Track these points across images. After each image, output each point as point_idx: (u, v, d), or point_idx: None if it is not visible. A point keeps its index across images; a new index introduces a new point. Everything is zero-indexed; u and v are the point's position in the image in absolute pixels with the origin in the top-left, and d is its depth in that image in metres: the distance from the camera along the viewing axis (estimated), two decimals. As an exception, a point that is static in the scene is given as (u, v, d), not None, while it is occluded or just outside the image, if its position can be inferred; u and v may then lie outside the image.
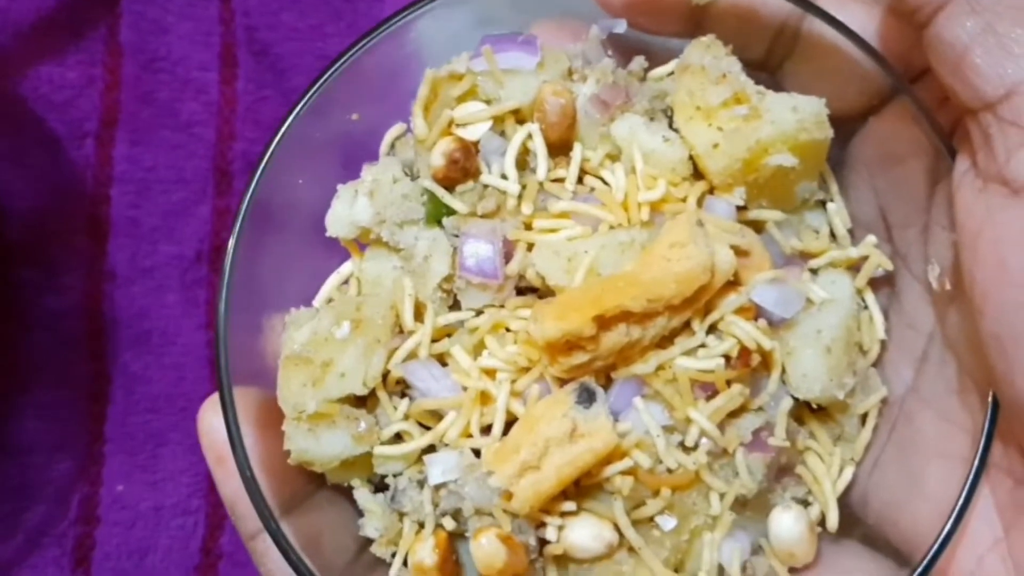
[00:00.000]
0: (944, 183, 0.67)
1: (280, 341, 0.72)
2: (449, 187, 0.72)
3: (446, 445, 0.69)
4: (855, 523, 0.73)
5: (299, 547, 0.66)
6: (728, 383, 0.68)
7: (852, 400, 0.72)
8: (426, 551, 0.69)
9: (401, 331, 0.71)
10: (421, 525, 0.70)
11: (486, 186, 0.71)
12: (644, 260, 0.68)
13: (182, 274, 1.07)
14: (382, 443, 0.70)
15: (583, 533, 0.67)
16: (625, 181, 0.70)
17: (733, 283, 0.69)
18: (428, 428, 0.70)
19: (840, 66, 0.69)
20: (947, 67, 0.62)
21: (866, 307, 0.74)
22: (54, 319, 1.05)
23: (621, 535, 0.68)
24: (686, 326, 0.68)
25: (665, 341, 0.68)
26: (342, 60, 0.71)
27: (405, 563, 0.70)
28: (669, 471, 0.68)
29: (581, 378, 0.67)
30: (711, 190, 0.71)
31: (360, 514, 0.72)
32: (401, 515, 0.71)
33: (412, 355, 0.70)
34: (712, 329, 0.68)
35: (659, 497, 0.68)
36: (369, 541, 0.72)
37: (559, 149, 0.72)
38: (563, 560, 0.69)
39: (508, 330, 0.70)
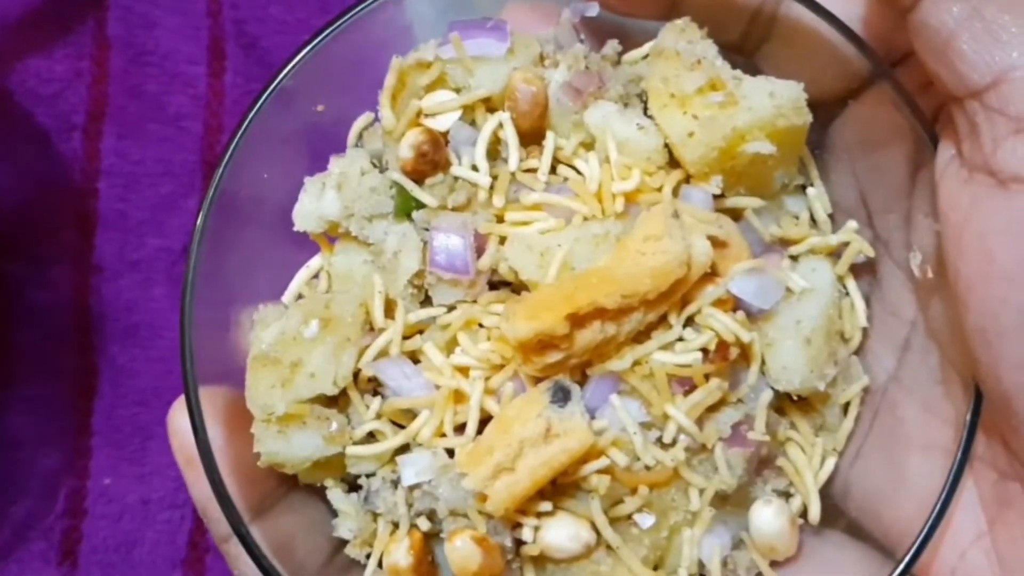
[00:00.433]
0: (926, 169, 0.66)
1: (248, 338, 0.71)
2: (418, 180, 0.70)
3: (419, 445, 0.68)
4: (838, 515, 0.72)
5: (270, 552, 0.66)
6: (706, 377, 0.66)
7: (834, 389, 0.71)
8: (401, 552, 0.68)
9: (372, 329, 0.69)
10: (396, 526, 0.69)
11: (456, 178, 0.70)
12: (618, 254, 0.66)
13: (170, 267, 1.07)
14: (354, 443, 0.69)
15: (560, 533, 0.66)
16: (599, 171, 0.69)
17: (711, 274, 0.68)
18: (401, 427, 0.69)
19: (819, 49, 0.68)
20: (932, 53, 0.60)
21: (847, 294, 0.73)
22: (41, 312, 1.05)
23: (599, 534, 0.67)
24: (662, 319, 0.67)
25: (641, 336, 0.67)
26: (307, 49, 0.69)
27: (380, 564, 0.69)
28: (647, 468, 0.67)
29: (555, 376, 0.66)
30: (687, 179, 0.70)
31: (334, 514, 0.71)
32: (375, 516, 0.70)
33: (383, 353, 0.69)
34: (689, 322, 0.67)
35: (637, 495, 0.67)
36: (343, 542, 0.71)
37: (531, 138, 0.71)
38: (540, 561, 0.68)
39: (481, 326, 0.69)
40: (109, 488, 1.05)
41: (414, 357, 0.69)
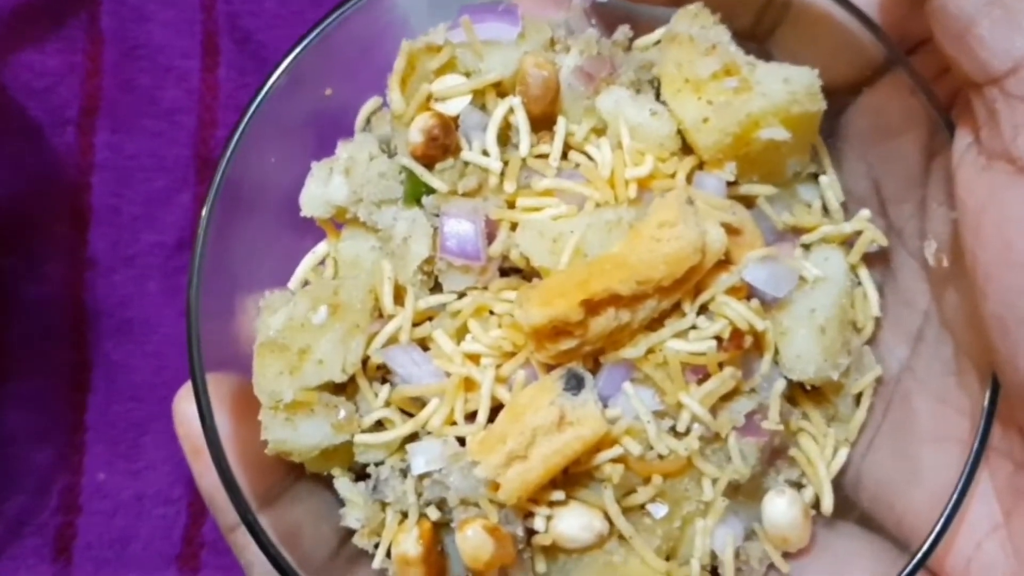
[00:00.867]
0: (941, 157, 0.66)
1: (254, 325, 0.70)
2: (428, 164, 0.69)
3: (429, 433, 0.67)
4: (850, 506, 0.71)
5: (278, 540, 0.65)
6: (720, 366, 0.66)
7: (846, 380, 0.71)
8: (410, 542, 0.67)
9: (381, 315, 0.69)
10: (404, 515, 0.68)
11: (467, 163, 0.69)
12: (632, 240, 0.65)
13: (164, 262, 1.07)
14: (363, 431, 0.68)
15: (572, 523, 0.65)
16: (611, 157, 0.68)
17: (724, 262, 0.67)
18: (410, 415, 0.68)
19: (833, 35, 0.67)
20: (951, 39, 0.59)
21: (860, 284, 0.72)
22: (35, 308, 1.05)
23: (611, 524, 0.66)
24: (676, 307, 0.66)
25: (655, 323, 0.66)
26: (314, 33, 0.68)
27: (388, 554, 0.68)
28: (660, 457, 0.66)
29: (568, 363, 0.65)
30: (700, 165, 0.69)
31: (341, 504, 0.70)
32: (383, 505, 0.69)
33: (392, 340, 0.68)
34: (703, 310, 0.67)
35: (650, 484, 0.66)
36: (351, 532, 0.70)
37: (542, 123, 0.70)
38: (552, 551, 0.67)
39: (492, 313, 0.68)
40: (103, 484, 1.05)
41: (424, 344, 0.69)
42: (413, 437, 0.68)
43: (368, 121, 0.74)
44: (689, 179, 0.69)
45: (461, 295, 0.68)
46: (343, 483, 0.70)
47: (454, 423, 0.67)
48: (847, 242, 0.72)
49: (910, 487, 0.68)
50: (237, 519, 0.66)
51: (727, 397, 0.67)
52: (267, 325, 0.68)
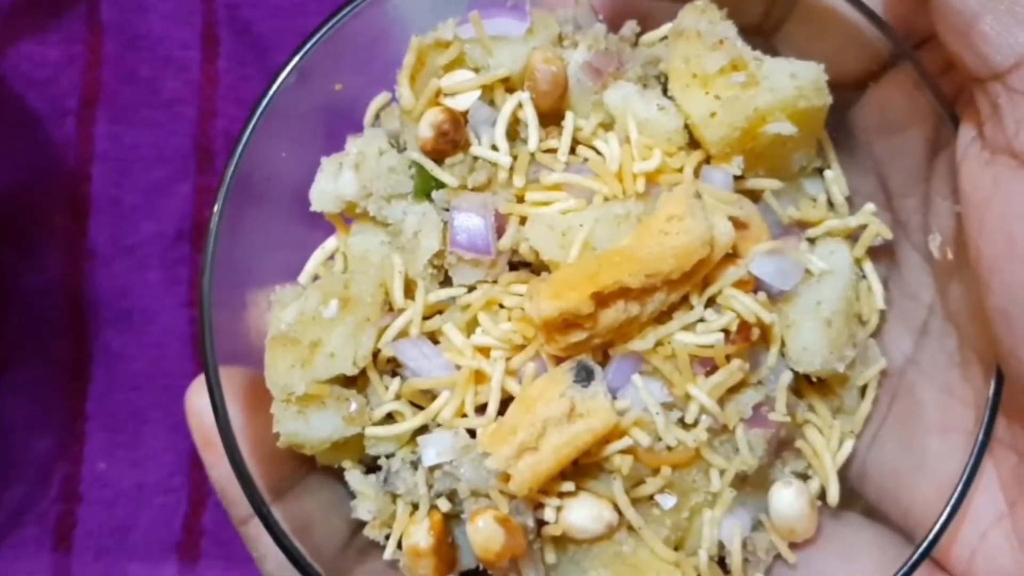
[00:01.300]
0: (946, 152, 0.66)
1: (265, 319, 0.70)
2: (438, 159, 0.69)
3: (439, 425, 0.68)
4: (855, 497, 0.72)
5: (291, 532, 0.65)
6: (728, 358, 0.66)
7: (852, 372, 0.71)
8: (421, 534, 0.67)
9: (391, 309, 0.69)
10: (415, 507, 0.68)
11: (476, 158, 0.69)
12: (641, 234, 0.66)
13: (163, 252, 1.08)
14: (373, 424, 0.69)
15: (582, 514, 0.66)
16: (619, 151, 0.68)
17: (731, 255, 0.68)
18: (420, 408, 0.68)
19: (839, 30, 0.68)
20: (954, 34, 0.60)
21: (865, 277, 0.73)
22: (35, 298, 1.06)
23: (621, 515, 0.67)
24: (684, 300, 0.67)
25: (663, 316, 0.66)
26: (325, 28, 0.68)
27: (399, 546, 0.69)
28: (669, 449, 0.66)
29: (578, 356, 0.66)
30: (707, 159, 0.70)
31: (352, 496, 0.71)
32: (394, 497, 0.69)
33: (403, 333, 0.68)
34: (710, 303, 0.67)
35: (659, 475, 0.67)
36: (362, 524, 0.70)
37: (550, 118, 0.70)
38: (562, 541, 0.68)
39: (502, 306, 0.68)
40: (103, 473, 1.06)
41: (434, 338, 0.69)
42: (423, 429, 0.68)
43: (377, 116, 0.74)
44: (696, 173, 0.69)
45: (471, 289, 0.69)
46: (354, 475, 0.70)
47: (464, 415, 0.67)
48: (852, 236, 0.72)
49: (915, 478, 0.68)
50: (249, 511, 0.66)
51: (734, 389, 0.67)
52: (279, 319, 0.69)
